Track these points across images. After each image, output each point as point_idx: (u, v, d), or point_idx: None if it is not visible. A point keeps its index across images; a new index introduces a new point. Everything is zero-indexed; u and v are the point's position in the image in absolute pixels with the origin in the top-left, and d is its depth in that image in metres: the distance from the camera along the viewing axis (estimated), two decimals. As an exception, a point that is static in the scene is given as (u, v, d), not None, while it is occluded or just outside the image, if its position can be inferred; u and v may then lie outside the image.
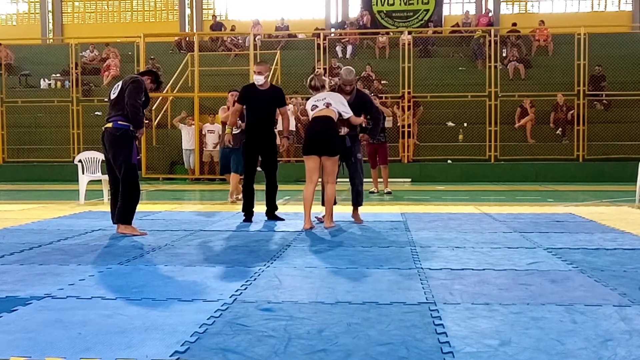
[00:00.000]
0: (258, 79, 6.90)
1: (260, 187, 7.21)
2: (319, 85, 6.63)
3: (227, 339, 2.75)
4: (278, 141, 7.52)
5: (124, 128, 5.88)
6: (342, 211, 7.22)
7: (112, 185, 6.16)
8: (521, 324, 2.98)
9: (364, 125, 6.98)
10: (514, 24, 20.62)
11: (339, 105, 6.46)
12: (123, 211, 5.95)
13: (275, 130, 7.44)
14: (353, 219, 6.96)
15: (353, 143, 6.77)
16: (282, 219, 7.07)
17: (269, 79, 7.14)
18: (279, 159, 7.38)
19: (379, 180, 11.30)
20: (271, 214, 7.17)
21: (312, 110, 6.49)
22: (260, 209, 7.23)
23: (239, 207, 7.96)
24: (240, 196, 8.15)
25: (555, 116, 16.11)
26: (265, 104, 6.97)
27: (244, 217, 7.11)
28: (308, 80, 6.73)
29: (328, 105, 6.40)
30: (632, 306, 3.29)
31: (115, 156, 5.91)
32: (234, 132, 7.84)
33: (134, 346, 2.66)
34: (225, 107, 9.53)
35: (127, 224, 5.99)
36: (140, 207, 8.85)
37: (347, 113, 6.49)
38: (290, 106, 15.76)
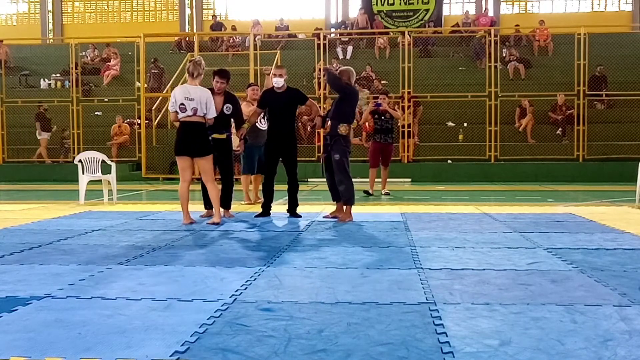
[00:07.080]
0: (277, 82, 7.14)
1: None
2: (196, 74, 6.73)
3: (227, 339, 2.75)
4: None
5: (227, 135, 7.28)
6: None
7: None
8: (521, 324, 2.98)
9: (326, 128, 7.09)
10: (517, 25, 20.62)
11: (204, 108, 6.61)
12: (224, 198, 7.19)
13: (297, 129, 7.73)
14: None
15: (333, 144, 6.89)
16: (301, 216, 7.31)
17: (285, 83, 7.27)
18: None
19: (377, 180, 11.13)
20: (293, 211, 7.43)
21: (180, 109, 6.55)
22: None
23: (245, 207, 7.99)
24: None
25: (555, 116, 16.11)
26: (284, 106, 7.20)
27: (260, 212, 7.39)
28: (188, 65, 6.75)
29: (195, 111, 6.54)
30: (632, 306, 3.29)
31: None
32: (261, 128, 8.30)
33: (134, 346, 2.66)
34: (246, 102, 9.12)
35: (226, 209, 7.28)
36: (140, 207, 8.96)
37: (212, 114, 6.70)
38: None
